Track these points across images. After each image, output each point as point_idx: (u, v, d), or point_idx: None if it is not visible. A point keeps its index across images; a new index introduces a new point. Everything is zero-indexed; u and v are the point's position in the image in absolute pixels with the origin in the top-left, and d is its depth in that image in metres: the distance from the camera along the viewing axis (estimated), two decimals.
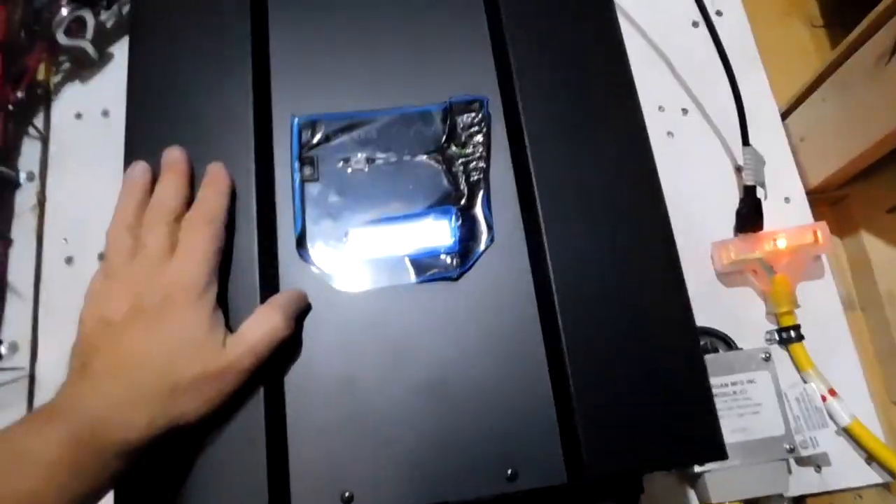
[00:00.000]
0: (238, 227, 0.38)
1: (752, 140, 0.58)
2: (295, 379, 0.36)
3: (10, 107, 0.58)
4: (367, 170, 0.40)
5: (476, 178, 0.40)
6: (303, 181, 0.39)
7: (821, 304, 0.59)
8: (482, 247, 0.39)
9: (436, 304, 0.38)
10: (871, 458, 0.54)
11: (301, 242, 0.38)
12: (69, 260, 0.57)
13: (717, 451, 0.35)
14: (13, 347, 0.55)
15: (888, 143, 0.54)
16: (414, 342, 0.37)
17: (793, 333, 0.56)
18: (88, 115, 0.62)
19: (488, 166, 0.40)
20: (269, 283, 0.38)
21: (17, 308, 0.56)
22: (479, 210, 0.39)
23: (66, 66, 0.63)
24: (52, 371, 0.54)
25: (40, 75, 0.61)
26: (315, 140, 0.40)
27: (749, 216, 0.58)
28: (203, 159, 0.39)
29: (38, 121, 0.61)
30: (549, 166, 0.39)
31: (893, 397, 0.59)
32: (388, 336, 0.37)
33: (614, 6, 0.44)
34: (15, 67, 0.58)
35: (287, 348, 0.36)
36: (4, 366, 0.54)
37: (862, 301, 0.63)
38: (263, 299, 0.36)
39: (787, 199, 0.62)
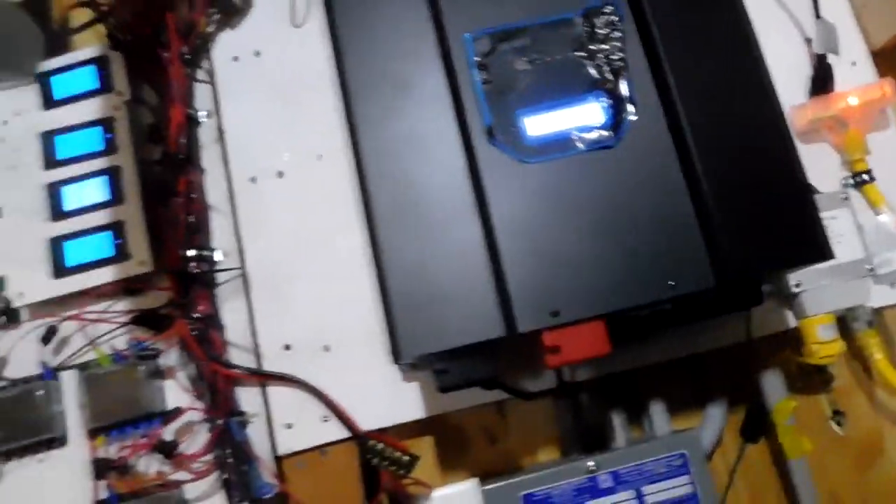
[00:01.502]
0: (441, 126, 0.50)
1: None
2: (502, 228, 0.48)
3: (188, 56, 0.69)
4: (529, 69, 0.51)
5: (617, 67, 0.50)
6: (483, 83, 0.50)
7: (887, 151, 0.68)
8: (631, 119, 0.50)
9: (599, 167, 0.49)
10: None
11: (490, 132, 0.50)
12: (253, 179, 0.70)
13: (825, 253, 0.47)
14: (225, 254, 0.68)
15: None
16: (587, 195, 0.49)
17: (865, 177, 0.66)
18: (243, 56, 0.72)
19: (627, 56, 0.51)
20: (471, 167, 0.49)
21: (220, 223, 0.69)
22: (623, 92, 0.50)
23: (216, 16, 0.73)
24: (259, 269, 0.68)
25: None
26: (486, 50, 0.51)
27: (822, 80, 0.67)
28: (400, 73, 0.50)
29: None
30: (676, 52, 0.50)
31: None
32: (567, 192, 0.49)
33: None
34: (181, 23, 0.69)
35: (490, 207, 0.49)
36: (223, 267, 0.68)
37: None
38: (472, 179, 0.48)
39: (853, 63, 0.71)
